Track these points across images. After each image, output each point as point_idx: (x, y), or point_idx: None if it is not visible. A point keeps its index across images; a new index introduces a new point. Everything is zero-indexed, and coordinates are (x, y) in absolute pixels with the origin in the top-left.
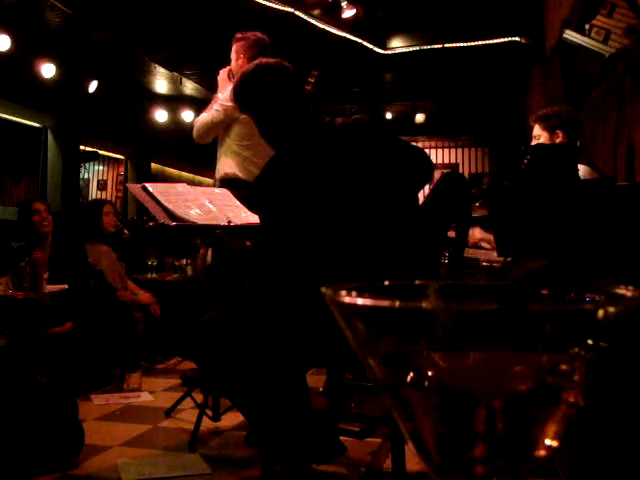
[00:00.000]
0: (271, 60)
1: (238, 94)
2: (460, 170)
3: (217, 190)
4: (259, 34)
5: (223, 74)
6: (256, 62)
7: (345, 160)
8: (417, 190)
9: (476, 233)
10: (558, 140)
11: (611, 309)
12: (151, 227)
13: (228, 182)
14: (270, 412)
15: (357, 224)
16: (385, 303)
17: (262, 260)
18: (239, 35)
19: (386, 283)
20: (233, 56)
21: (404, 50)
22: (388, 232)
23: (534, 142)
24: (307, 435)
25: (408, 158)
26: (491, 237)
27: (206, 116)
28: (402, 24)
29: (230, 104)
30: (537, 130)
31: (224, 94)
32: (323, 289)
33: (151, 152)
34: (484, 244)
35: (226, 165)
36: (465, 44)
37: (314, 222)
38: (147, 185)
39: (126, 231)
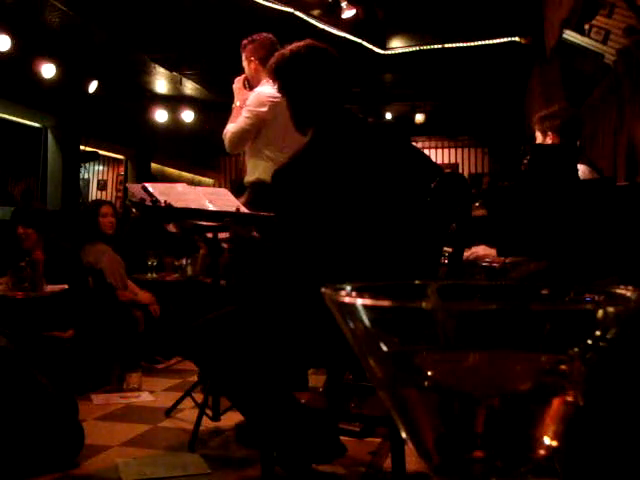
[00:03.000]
0: (322, 45)
1: (281, 71)
2: (460, 170)
3: (217, 190)
4: (265, 34)
5: (238, 83)
6: (307, 42)
7: (370, 162)
8: (423, 196)
9: (479, 250)
10: (549, 141)
11: (611, 309)
12: (159, 207)
13: (260, 186)
14: (269, 412)
15: (360, 225)
16: (385, 303)
17: (269, 255)
18: (246, 40)
19: (386, 283)
20: (245, 63)
21: (404, 50)
22: (389, 233)
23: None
24: (307, 435)
25: (424, 167)
26: (494, 253)
27: (236, 125)
28: (402, 24)
29: (260, 109)
30: (536, 131)
31: (248, 100)
32: (323, 289)
33: (151, 152)
34: (486, 259)
35: (259, 169)
36: (465, 44)
37: (331, 221)
38: (147, 185)
39: (134, 210)
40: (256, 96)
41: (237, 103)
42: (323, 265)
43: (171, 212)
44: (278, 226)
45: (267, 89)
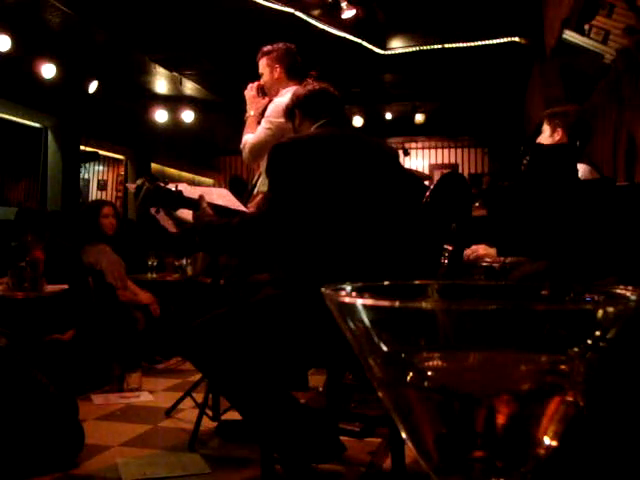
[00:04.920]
0: (331, 89)
1: (297, 106)
2: (460, 170)
3: (218, 190)
4: (286, 43)
5: (252, 90)
6: (323, 86)
7: (364, 168)
8: (414, 206)
9: (480, 249)
10: (557, 137)
11: (611, 309)
12: (169, 189)
13: None
14: (269, 412)
15: (360, 225)
16: (385, 303)
17: (263, 251)
18: (268, 48)
19: (386, 283)
20: (265, 70)
21: (404, 50)
22: (389, 233)
23: (541, 136)
24: (307, 435)
25: (411, 183)
26: (494, 252)
27: (256, 136)
28: (402, 24)
29: (280, 120)
30: (544, 125)
31: (268, 111)
32: (323, 289)
33: (151, 152)
34: (486, 259)
35: None
36: (464, 44)
37: (322, 215)
38: None
39: (148, 183)
40: (276, 107)
41: (251, 112)
42: (321, 266)
43: (180, 199)
44: (270, 202)
45: (287, 99)
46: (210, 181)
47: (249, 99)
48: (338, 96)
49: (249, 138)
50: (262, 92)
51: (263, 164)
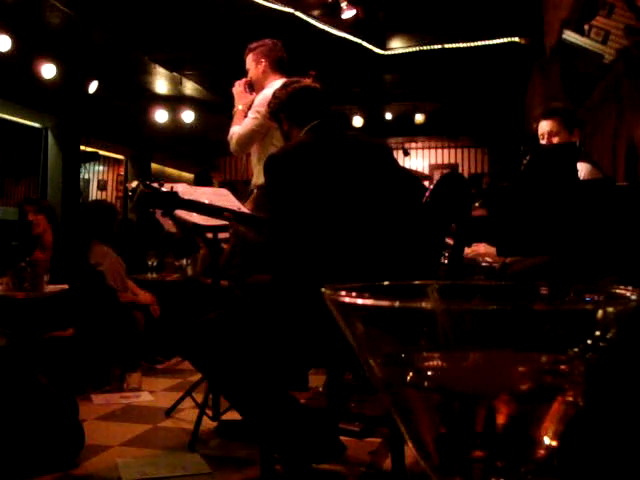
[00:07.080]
0: (316, 84)
1: (282, 110)
2: (460, 170)
3: (218, 190)
4: (272, 39)
5: (239, 86)
6: (304, 85)
7: (358, 171)
8: (412, 206)
9: (480, 248)
10: (574, 139)
11: (611, 309)
12: (167, 192)
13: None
14: (269, 412)
15: (360, 226)
16: (385, 303)
17: (265, 255)
18: (253, 45)
19: (386, 283)
20: (252, 65)
21: (404, 51)
22: (389, 233)
23: (546, 138)
24: (307, 435)
25: (408, 181)
26: (494, 251)
27: (243, 127)
28: (402, 24)
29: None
30: (551, 126)
31: (256, 101)
32: (323, 289)
33: (151, 152)
34: (487, 259)
35: None
36: (465, 44)
37: (320, 220)
38: None
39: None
40: (263, 97)
41: (239, 107)
42: (319, 264)
43: (175, 200)
44: (270, 213)
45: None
46: None
47: (237, 94)
48: (320, 90)
49: (236, 129)
50: (250, 88)
51: (254, 156)
